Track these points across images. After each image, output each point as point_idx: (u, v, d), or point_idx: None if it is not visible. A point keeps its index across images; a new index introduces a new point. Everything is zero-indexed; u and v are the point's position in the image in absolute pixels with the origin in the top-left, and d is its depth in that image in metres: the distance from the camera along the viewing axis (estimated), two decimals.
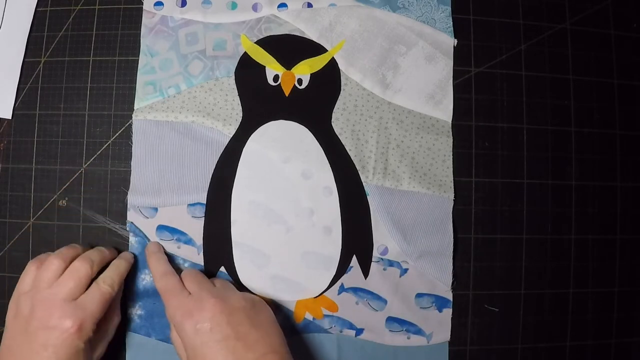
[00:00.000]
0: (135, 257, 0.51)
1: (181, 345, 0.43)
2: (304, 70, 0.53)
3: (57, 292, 0.43)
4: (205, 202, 0.52)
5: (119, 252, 0.51)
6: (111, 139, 0.52)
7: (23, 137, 0.53)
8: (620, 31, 0.56)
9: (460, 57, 0.54)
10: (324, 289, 0.52)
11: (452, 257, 0.52)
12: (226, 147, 0.52)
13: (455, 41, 0.54)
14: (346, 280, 0.52)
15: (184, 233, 0.51)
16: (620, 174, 0.55)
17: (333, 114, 0.53)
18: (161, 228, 0.51)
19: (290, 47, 0.53)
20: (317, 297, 0.52)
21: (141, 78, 0.52)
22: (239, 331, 0.41)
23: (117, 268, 0.47)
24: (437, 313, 0.52)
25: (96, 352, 0.45)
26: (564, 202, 0.54)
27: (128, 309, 0.50)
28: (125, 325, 0.50)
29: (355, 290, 0.52)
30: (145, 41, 0.53)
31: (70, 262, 0.45)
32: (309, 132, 0.52)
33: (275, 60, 0.53)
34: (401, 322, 0.52)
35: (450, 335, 0.52)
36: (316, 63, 0.53)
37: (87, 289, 0.44)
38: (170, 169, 0.51)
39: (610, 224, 0.55)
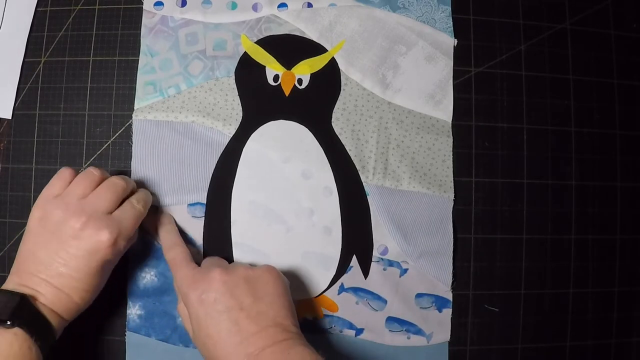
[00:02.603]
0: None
1: (187, 317, 0.43)
2: (304, 70, 0.53)
3: (93, 202, 0.43)
4: (205, 202, 0.52)
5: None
6: (111, 139, 0.52)
7: (23, 137, 0.53)
8: (620, 31, 0.56)
9: (460, 57, 0.54)
10: (324, 289, 0.52)
11: (452, 257, 0.52)
12: (226, 147, 0.52)
13: (456, 41, 0.54)
14: (346, 280, 0.52)
15: (184, 233, 0.51)
16: (620, 174, 0.55)
17: (333, 114, 0.53)
18: None
19: (291, 47, 0.53)
20: (317, 297, 0.52)
21: (141, 78, 0.52)
22: (242, 302, 0.41)
23: (146, 193, 0.48)
24: (437, 313, 0.52)
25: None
26: (564, 202, 0.54)
27: (128, 309, 0.50)
28: (125, 325, 0.50)
29: (355, 290, 0.52)
30: (145, 41, 0.53)
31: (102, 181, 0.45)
32: (309, 132, 0.52)
33: (275, 60, 0.53)
34: (401, 322, 0.52)
35: (450, 335, 0.52)
36: (316, 63, 0.53)
37: (120, 206, 0.44)
38: (170, 169, 0.52)
39: (610, 224, 0.55)
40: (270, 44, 0.53)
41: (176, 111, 0.52)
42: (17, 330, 0.38)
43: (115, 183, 0.45)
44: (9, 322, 0.38)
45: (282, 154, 0.52)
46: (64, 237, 0.41)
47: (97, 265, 0.42)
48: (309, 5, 0.54)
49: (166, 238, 0.48)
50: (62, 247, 0.41)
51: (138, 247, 0.51)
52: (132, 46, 0.53)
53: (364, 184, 0.52)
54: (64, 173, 0.45)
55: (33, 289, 0.41)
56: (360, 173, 0.52)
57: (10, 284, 0.41)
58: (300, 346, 0.40)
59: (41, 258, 0.41)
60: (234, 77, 0.53)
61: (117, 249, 0.43)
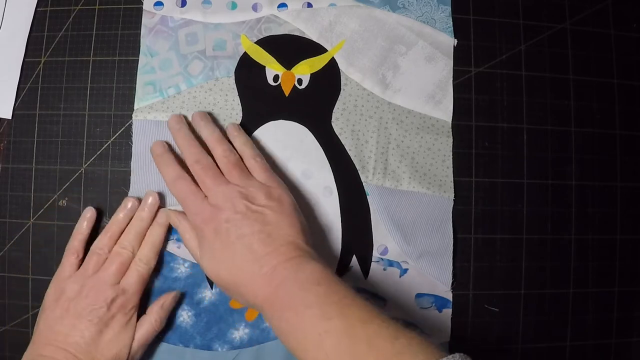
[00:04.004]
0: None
1: (196, 247, 0.46)
2: (304, 70, 0.53)
3: (102, 276, 0.46)
4: None
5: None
6: (111, 139, 0.52)
7: (23, 137, 0.53)
8: (620, 31, 0.56)
9: (460, 57, 0.54)
10: None
11: (452, 257, 0.52)
12: None
13: (455, 41, 0.54)
14: (346, 280, 0.52)
15: None
16: (620, 174, 0.55)
17: (333, 114, 0.53)
18: None
19: (290, 47, 0.53)
20: None
21: (141, 78, 0.52)
22: (252, 229, 0.43)
23: (152, 242, 0.49)
24: (437, 313, 0.52)
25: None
26: (564, 202, 0.54)
27: None
28: None
29: (355, 290, 0.52)
30: (145, 41, 0.53)
31: (111, 238, 0.49)
32: (309, 132, 0.52)
33: (275, 60, 0.53)
34: (401, 322, 0.51)
35: (450, 335, 0.52)
36: (316, 63, 0.53)
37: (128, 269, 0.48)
38: None
39: (610, 224, 0.55)
40: (270, 44, 0.53)
41: (176, 111, 0.52)
42: None
43: (120, 253, 0.48)
44: None
45: (282, 154, 0.52)
46: (80, 308, 0.45)
47: (116, 327, 0.46)
48: (309, 5, 0.54)
49: (166, 171, 0.48)
50: (77, 321, 0.45)
51: None
52: (132, 46, 0.53)
53: (364, 184, 0.52)
54: (69, 259, 0.48)
55: (51, 357, 0.43)
56: (360, 173, 0.52)
57: (29, 355, 0.44)
58: (312, 261, 0.42)
59: (58, 330, 0.45)
60: (233, 77, 0.53)
61: (129, 312, 0.47)
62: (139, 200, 0.50)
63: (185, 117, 0.51)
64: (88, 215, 0.50)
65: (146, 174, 0.51)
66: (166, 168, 0.48)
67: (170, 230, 0.50)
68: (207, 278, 0.51)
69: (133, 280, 0.47)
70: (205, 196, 0.46)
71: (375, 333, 0.36)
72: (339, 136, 0.53)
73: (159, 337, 0.50)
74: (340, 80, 0.53)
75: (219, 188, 0.45)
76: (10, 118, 0.53)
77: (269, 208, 0.45)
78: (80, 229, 0.49)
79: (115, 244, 0.48)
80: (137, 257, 0.48)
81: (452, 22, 0.54)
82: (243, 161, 0.48)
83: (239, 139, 0.50)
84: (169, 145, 0.50)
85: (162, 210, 0.50)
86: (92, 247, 0.48)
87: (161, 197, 0.50)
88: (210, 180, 0.46)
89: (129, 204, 0.49)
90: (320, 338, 0.37)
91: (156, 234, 0.49)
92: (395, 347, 0.35)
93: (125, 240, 0.48)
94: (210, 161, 0.47)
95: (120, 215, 0.49)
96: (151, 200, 0.49)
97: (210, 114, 0.52)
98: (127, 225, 0.49)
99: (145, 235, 0.49)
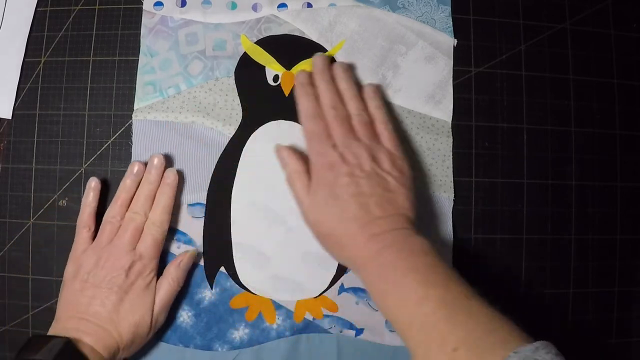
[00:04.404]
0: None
1: (303, 188, 0.46)
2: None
3: (117, 244, 0.47)
4: (205, 202, 0.52)
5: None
6: (111, 139, 0.52)
7: (23, 137, 0.53)
8: (620, 31, 0.56)
9: (460, 57, 0.54)
10: (324, 289, 0.52)
11: (452, 257, 0.52)
12: (226, 147, 0.52)
13: (455, 41, 0.54)
14: (346, 280, 0.52)
15: (184, 233, 0.51)
16: (620, 174, 0.55)
17: None
18: None
19: (290, 47, 0.53)
20: (317, 297, 0.52)
21: (141, 78, 0.52)
22: (372, 191, 0.44)
23: (162, 204, 0.49)
24: None
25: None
26: (564, 202, 0.54)
27: None
28: None
29: (355, 290, 0.52)
30: (145, 41, 0.53)
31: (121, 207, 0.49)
32: None
33: (275, 60, 0.53)
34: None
35: None
36: None
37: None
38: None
39: (610, 224, 0.55)
40: (270, 44, 0.53)
41: (176, 111, 0.52)
42: None
43: (133, 219, 0.48)
44: None
45: None
46: (97, 282, 0.45)
47: (136, 292, 0.46)
48: (309, 5, 0.54)
49: (306, 106, 0.49)
50: (97, 291, 0.45)
51: None
52: (132, 46, 0.53)
53: None
54: (82, 232, 0.48)
55: (74, 329, 0.43)
56: None
57: (53, 331, 0.44)
58: (420, 236, 0.43)
59: (79, 302, 0.45)
60: (233, 77, 0.53)
61: (148, 276, 0.47)
62: (145, 164, 0.50)
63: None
64: (93, 185, 0.50)
65: None
66: (306, 100, 0.49)
67: (172, 231, 0.50)
68: (208, 278, 0.51)
69: (148, 245, 0.47)
70: (335, 144, 0.46)
71: (475, 307, 0.38)
72: None
73: (159, 337, 0.50)
74: None
75: (348, 141, 0.46)
76: (10, 118, 0.53)
77: (392, 176, 0.45)
78: (88, 201, 0.49)
79: (126, 211, 0.48)
80: (149, 221, 0.48)
81: (452, 22, 0.54)
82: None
83: (374, 102, 0.50)
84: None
85: (168, 170, 0.50)
86: (105, 217, 0.48)
87: (167, 159, 0.51)
88: (342, 130, 0.47)
89: (135, 168, 0.49)
90: (421, 301, 0.38)
91: (166, 195, 0.49)
92: (493, 323, 0.37)
93: (136, 206, 0.48)
94: (345, 112, 0.48)
95: (127, 181, 0.49)
96: (157, 162, 0.49)
97: (349, 68, 0.52)
98: (136, 191, 0.49)
99: (154, 197, 0.49)
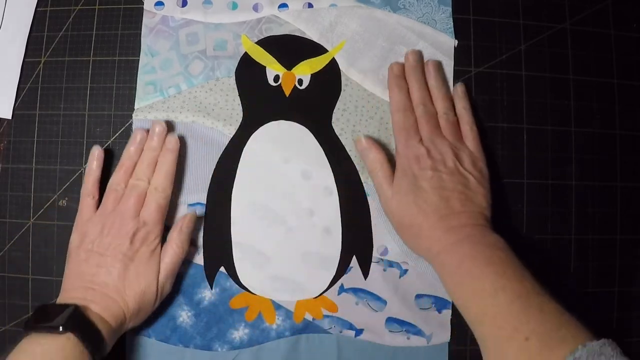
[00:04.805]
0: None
1: (386, 177, 0.49)
2: (305, 71, 0.53)
3: (121, 211, 0.47)
4: (205, 202, 0.52)
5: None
6: (111, 139, 0.52)
7: (23, 137, 0.53)
8: (620, 31, 0.56)
9: (460, 57, 0.54)
10: (323, 289, 0.52)
11: None
12: (226, 147, 0.52)
13: (456, 42, 0.54)
14: (346, 280, 0.52)
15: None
16: (620, 174, 0.55)
17: (333, 115, 0.53)
18: None
19: (291, 48, 0.53)
20: (317, 297, 0.52)
21: (142, 78, 0.52)
22: (454, 187, 0.47)
23: (165, 170, 0.49)
24: (436, 314, 0.52)
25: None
26: (564, 202, 0.54)
27: None
28: None
29: (355, 290, 0.52)
30: (146, 41, 0.53)
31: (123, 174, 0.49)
32: (310, 132, 0.52)
33: (275, 60, 0.53)
34: (401, 322, 0.52)
35: (450, 335, 0.52)
36: (317, 63, 0.53)
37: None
38: None
39: (610, 224, 0.55)
40: (270, 44, 0.53)
41: (176, 111, 0.52)
42: (69, 335, 0.40)
43: (136, 186, 0.48)
44: (61, 329, 0.40)
45: (283, 154, 0.52)
46: (102, 250, 0.45)
47: (141, 259, 0.46)
48: (310, 5, 0.54)
49: (397, 99, 0.51)
50: (102, 259, 0.45)
51: None
52: (132, 46, 0.53)
53: (364, 184, 0.52)
54: (86, 200, 0.48)
55: (81, 298, 0.44)
56: (360, 173, 0.52)
57: (60, 301, 0.44)
58: (496, 234, 0.45)
59: (84, 272, 0.45)
60: (234, 77, 0.53)
61: (152, 242, 0.47)
62: (147, 131, 0.50)
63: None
64: (96, 153, 0.50)
65: None
66: (399, 93, 0.51)
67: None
68: (208, 278, 0.51)
69: (152, 210, 0.47)
70: (421, 138, 0.49)
71: (546, 303, 0.39)
72: (339, 137, 0.53)
73: (159, 337, 0.50)
74: (340, 80, 0.53)
75: (434, 137, 0.49)
76: (10, 118, 0.53)
77: (473, 175, 0.48)
78: (91, 170, 0.49)
79: (130, 177, 0.48)
80: (152, 186, 0.48)
81: (452, 23, 0.54)
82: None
83: (462, 103, 0.52)
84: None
85: (169, 135, 0.50)
86: (109, 185, 0.48)
87: (169, 125, 0.51)
88: (429, 127, 0.49)
89: (138, 136, 0.49)
90: (496, 292, 0.40)
91: (167, 161, 0.49)
92: (562, 319, 0.38)
93: (139, 172, 0.48)
94: (433, 110, 0.50)
95: (131, 148, 0.49)
96: (158, 129, 0.49)
97: (440, 66, 0.53)
98: (139, 158, 0.49)
99: (157, 164, 0.49)
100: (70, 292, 0.45)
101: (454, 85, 0.54)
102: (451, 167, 0.47)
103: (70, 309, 0.41)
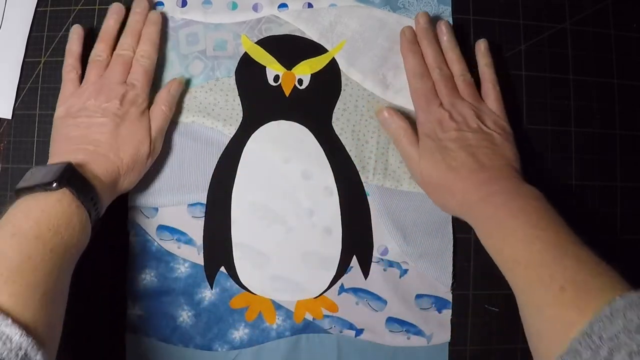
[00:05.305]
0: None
1: (411, 144, 0.49)
2: (305, 71, 0.53)
3: (108, 76, 0.47)
4: (205, 202, 0.52)
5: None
6: None
7: (23, 137, 0.53)
8: (620, 31, 0.56)
9: None
10: (324, 289, 0.52)
11: (452, 258, 0.52)
12: (226, 147, 0.52)
13: None
14: (346, 280, 0.52)
15: (184, 233, 0.51)
16: (620, 174, 0.55)
17: (333, 114, 0.53)
18: (161, 228, 0.51)
19: (291, 48, 0.53)
20: (317, 297, 0.52)
21: None
22: (479, 143, 0.47)
23: (149, 39, 0.50)
24: (437, 314, 0.52)
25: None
26: (564, 202, 0.54)
27: (128, 310, 0.50)
28: (125, 325, 0.50)
29: (355, 290, 0.52)
30: None
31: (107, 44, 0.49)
32: (310, 132, 0.52)
33: (275, 60, 0.53)
34: (401, 322, 0.52)
35: (450, 335, 0.52)
36: (317, 63, 0.53)
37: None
38: (170, 169, 0.51)
39: (610, 224, 0.55)
40: (270, 44, 0.53)
41: (176, 111, 0.52)
42: (64, 190, 0.39)
43: (122, 55, 0.48)
44: (54, 185, 0.39)
45: (283, 154, 0.52)
46: (92, 112, 0.46)
47: (130, 120, 0.46)
48: (310, 5, 0.54)
49: (414, 65, 0.51)
50: (93, 119, 0.45)
51: (138, 248, 0.51)
52: None
53: (364, 184, 0.52)
54: (70, 74, 0.48)
55: (73, 158, 0.43)
56: (360, 173, 0.52)
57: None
58: (528, 185, 0.45)
59: (75, 136, 0.45)
60: (234, 77, 0.53)
61: (140, 105, 0.47)
62: (127, 7, 0.51)
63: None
64: (77, 30, 0.50)
65: (146, 173, 0.51)
66: (413, 58, 0.51)
67: (172, 231, 0.50)
68: (208, 278, 0.51)
69: (139, 75, 0.48)
70: (441, 103, 0.49)
71: (582, 252, 0.38)
72: (339, 136, 0.53)
73: (159, 337, 0.50)
74: (340, 80, 0.53)
75: (454, 100, 0.49)
76: (10, 118, 0.53)
77: (497, 133, 0.48)
78: (72, 48, 0.49)
79: (111, 49, 0.49)
80: (137, 54, 0.49)
81: (452, 23, 0.54)
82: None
83: (484, 59, 0.52)
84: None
85: (152, 11, 0.51)
86: (91, 57, 0.49)
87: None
88: (447, 90, 0.49)
89: (116, 8, 0.50)
90: (530, 240, 0.40)
91: (152, 31, 0.50)
92: (599, 268, 0.37)
93: (124, 43, 0.49)
94: (450, 73, 0.50)
95: (110, 21, 0.50)
96: (141, 3, 0.50)
97: (451, 27, 0.53)
98: (119, 32, 0.50)
99: (140, 35, 0.50)
100: (60, 156, 0.44)
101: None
102: (474, 127, 0.48)
103: (63, 165, 0.40)
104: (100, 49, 0.49)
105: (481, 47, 0.52)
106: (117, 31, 0.50)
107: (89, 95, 0.46)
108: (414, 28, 0.52)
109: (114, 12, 0.50)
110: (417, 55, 0.51)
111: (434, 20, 0.53)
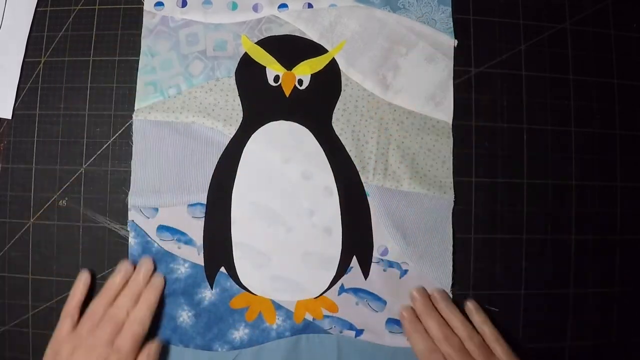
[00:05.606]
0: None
1: None
2: (305, 71, 0.53)
3: (97, 336, 0.46)
4: (205, 203, 0.52)
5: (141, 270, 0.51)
6: (111, 139, 0.52)
7: (23, 137, 0.53)
8: (620, 31, 0.56)
9: (460, 57, 0.54)
10: (324, 289, 0.52)
11: (452, 259, 0.52)
12: (226, 147, 0.52)
13: (456, 42, 0.54)
14: (346, 280, 0.52)
15: (184, 233, 0.51)
16: (620, 174, 0.55)
17: (333, 115, 0.53)
18: (161, 228, 0.51)
19: (291, 48, 0.53)
20: (317, 297, 0.52)
21: (142, 78, 0.52)
22: None
23: (147, 304, 0.49)
24: None
25: None
26: (564, 202, 0.54)
27: None
28: None
29: (355, 290, 0.52)
30: (146, 41, 0.53)
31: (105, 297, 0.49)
32: (310, 132, 0.52)
33: (275, 60, 0.53)
34: (401, 323, 0.51)
35: None
36: (317, 63, 0.53)
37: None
38: (170, 169, 0.51)
39: (610, 224, 0.55)
40: (270, 44, 0.53)
41: (176, 111, 0.52)
42: None
43: (115, 315, 0.47)
44: None
45: (283, 154, 0.52)
46: None
47: None
48: (310, 5, 0.54)
49: (420, 341, 0.50)
50: None
51: (138, 248, 0.51)
52: (132, 46, 0.53)
53: (364, 184, 0.52)
54: (66, 320, 0.48)
55: None
56: (360, 174, 0.52)
57: None
58: None
59: None
60: (234, 77, 0.53)
61: None
62: (134, 265, 0.50)
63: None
64: (83, 278, 0.50)
65: (146, 174, 0.51)
66: (419, 337, 0.50)
67: (172, 231, 0.50)
68: (208, 278, 0.51)
69: (127, 339, 0.47)
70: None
71: None
72: (339, 137, 0.53)
73: (159, 337, 0.50)
74: (340, 80, 0.53)
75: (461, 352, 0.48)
76: (10, 118, 0.53)
77: None
78: (76, 293, 0.49)
79: (110, 306, 0.48)
80: (131, 317, 0.48)
81: (452, 23, 0.54)
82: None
83: (478, 317, 0.51)
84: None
85: (156, 274, 0.50)
86: (88, 310, 0.48)
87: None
88: (460, 358, 0.48)
89: (124, 267, 0.50)
90: None
91: (151, 295, 0.49)
92: None
93: (120, 302, 0.48)
94: (458, 340, 0.49)
95: (117, 279, 0.49)
96: (146, 266, 0.50)
97: (446, 294, 0.52)
98: (122, 288, 0.49)
99: (139, 297, 0.49)
100: None
101: (453, 85, 0.54)
102: None
103: None
104: (99, 305, 0.48)
105: (470, 307, 0.51)
106: (121, 287, 0.49)
107: (74, 349, 0.46)
108: (413, 305, 0.52)
109: (123, 271, 0.50)
110: (422, 334, 0.50)
111: (434, 20, 0.53)
